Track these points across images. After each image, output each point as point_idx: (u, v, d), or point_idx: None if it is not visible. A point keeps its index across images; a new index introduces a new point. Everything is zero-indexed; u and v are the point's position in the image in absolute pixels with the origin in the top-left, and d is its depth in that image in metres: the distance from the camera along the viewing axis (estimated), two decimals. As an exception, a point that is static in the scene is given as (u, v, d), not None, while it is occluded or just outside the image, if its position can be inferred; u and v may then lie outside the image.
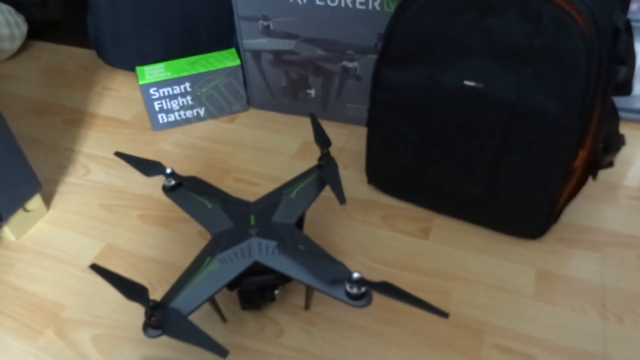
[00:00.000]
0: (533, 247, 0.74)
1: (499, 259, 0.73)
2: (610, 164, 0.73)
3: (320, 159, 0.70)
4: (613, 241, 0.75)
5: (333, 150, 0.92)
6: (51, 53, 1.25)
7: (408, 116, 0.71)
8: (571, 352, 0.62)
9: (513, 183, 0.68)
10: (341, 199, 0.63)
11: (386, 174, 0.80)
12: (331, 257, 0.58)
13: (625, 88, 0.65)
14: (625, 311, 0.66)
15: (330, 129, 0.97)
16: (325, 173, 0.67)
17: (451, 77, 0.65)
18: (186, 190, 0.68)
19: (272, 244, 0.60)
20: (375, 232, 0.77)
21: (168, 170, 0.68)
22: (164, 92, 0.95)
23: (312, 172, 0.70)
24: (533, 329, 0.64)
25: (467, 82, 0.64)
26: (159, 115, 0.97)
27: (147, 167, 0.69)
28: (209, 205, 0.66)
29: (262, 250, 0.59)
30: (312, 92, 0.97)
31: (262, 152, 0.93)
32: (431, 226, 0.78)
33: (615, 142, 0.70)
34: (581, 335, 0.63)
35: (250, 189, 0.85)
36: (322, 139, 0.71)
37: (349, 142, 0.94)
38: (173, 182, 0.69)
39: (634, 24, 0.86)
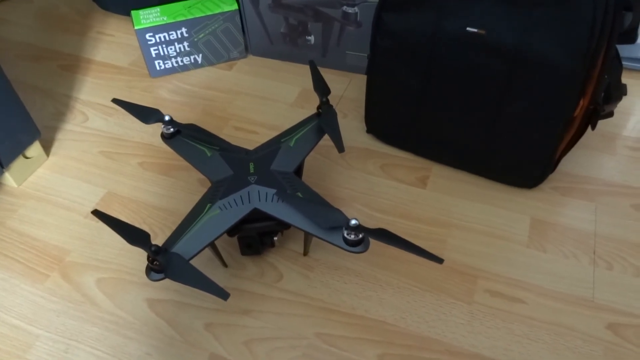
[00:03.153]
0: (529, 196, 0.75)
1: (495, 207, 0.74)
2: (611, 114, 0.72)
3: (319, 107, 0.69)
4: (608, 190, 0.76)
5: (332, 99, 0.92)
6: (43, -4, 1.21)
7: (409, 63, 0.70)
8: (560, 297, 0.64)
9: (512, 131, 0.68)
10: (340, 147, 0.63)
11: (385, 123, 0.80)
12: (329, 204, 0.59)
13: (630, 36, 0.64)
14: (615, 258, 0.67)
15: (330, 77, 0.96)
16: (324, 121, 0.67)
17: (454, 23, 0.63)
18: (185, 138, 0.68)
19: (271, 191, 0.60)
20: (373, 180, 0.78)
21: (166, 118, 0.68)
22: (160, 38, 0.93)
23: (311, 120, 0.70)
24: (525, 275, 0.66)
25: (469, 29, 0.62)
26: (156, 62, 0.96)
27: (146, 114, 0.69)
28: (208, 153, 0.66)
29: (261, 198, 0.60)
30: (312, 38, 0.95)
31: (261, 99, 0.92)
32: (429, 175, 0.78)
33: (616, 92, 0.69)
34: (571, 280, 0.65)
35: (250, 137, 0.85)
36: (322, 87, 0.70)
37: (349, 91, 0.93)
38: (172, 130, 0.69)
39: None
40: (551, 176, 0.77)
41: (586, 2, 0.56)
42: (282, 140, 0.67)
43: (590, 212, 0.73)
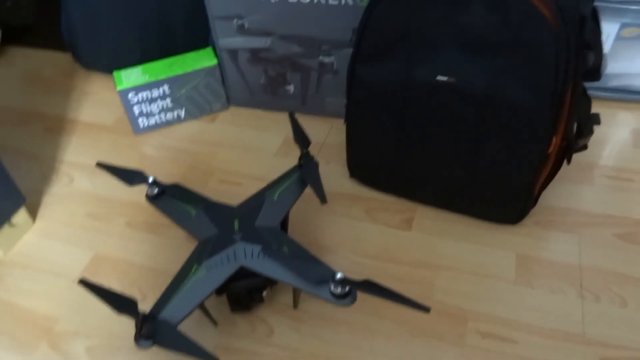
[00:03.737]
0: (513, 232, 0.76)
1: (481, 245, 0.75)
2: (584, 147, 0.74)
3: (300, 158, 0.71)
4: (589, 221, 0.77)
5: (315, 145, 0.93)
6: (26, 58, 1.23)
7: (385, 112, 0.72)
8: (551, 333, 0.64)
9: (490, 171, 0.70)
10: (322, 198, 0.64)
11: (367, 168, 0.82)
12: (315, 258, 0.60)
13: (595, 74, 0.67)
14: (602, 289, 0.68)
15: (312, 123, 0.98)
16: (305, 173, 0.69)
17: (424, 73, 0.66)
18: (170, 198, 0.69)
19: (257, 248, 0.61)
20: (359, 225, 0.79)
21: (150, 179, 0.69)
22: (143, 96, 0.95)
23: (293, 172, 0.71)
24: (514, 313, 0.66)
25: (440, 78, 0.65)
26: (140, 119, 0.97)
27: (129, 176, 0.70)
28: (193, 212, 0.67)
29: (247, 255, 0.60)
30: (291, 88, 0.97)
31: (244, 150, 0.94)
32: (414, 217, 0.79)
33: (587, 127, 0.71)
34: (560, 316, 0.66)
35: (235, 189, 0.86)
36: (302, 139, 0.72)
37: (331, 136, 0.95)
38: (156, 190, 0.69)
39: (607, 4, 0.88)
40: (533, 210, 0.78)
41: (548, 46, 0.58)
42: (265, 194, 0.68)
43: (573, 244, 0.74)
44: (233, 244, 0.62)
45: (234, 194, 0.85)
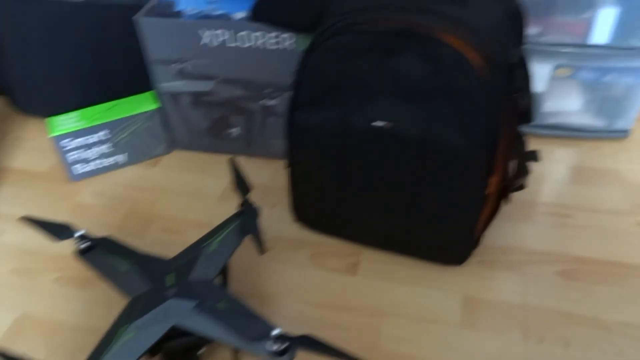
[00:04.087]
0: (457, 273, 0.76)
1: (427, 287, 0.74)
2: (521, 187, 0.76)
3: (240, 205, 0.69)
4: (532, 259, 0.78)
5: (260, 188, 0.92)
6: (-42, 103, 1.18)
7: (325, 157, 0.71)
8: (497, 379, 0.63)
9: (430, 214, 0.70)
10: (261, 249, 0.62)
11: (312, 212, 0.80)
12: (253, 313, 0.57)
13: (527, 116, 0.68)
14: (546, 329, 0.68)
15: (257, 165, 0.97)
16: (245, 222, 0.67)
17: (360, 119, 0.65)
18: (100, 252, 0.66)
19: (190, 304, 0.58)
20: (303, 272, 0.77)
21: (78, 233, 0.65)
22: (79, 142, 0.91)
23: (232, 220, 0.69)
24: (460, 358, 0.65)
25: (375, 124, 0.65)
26: (75, 166, 0.93)
27: (57, 230, 0.66)
28: (124, 267, 0.63)
29: (179, 313, 0.57)
30: (235, 130, 0.96)
31: (187, 196, 0.91)
32: (359, 261, 0.78)
33: (523, 167, 0.73)
34: (505, 359, 0.65)
35: (175, 238, 0.83)
36: (242, 186, 0.70)
37: (276, 179, 0.94)
38: (85, 245, 0.66)
39: (541, 48, 0.91)
40: (477, 250, 0.78)
41: (478, 93, 0.59)
42: (202, 245, 0.66)
43: (517, 283, 0.74)
44: (165, 301, 0.58)
45: (173, 243, 0.82)
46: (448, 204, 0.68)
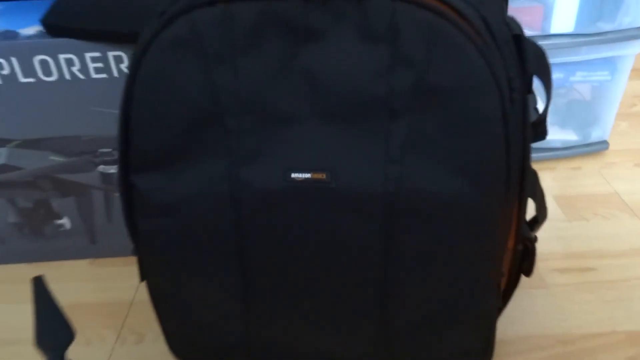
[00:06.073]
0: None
1: None
2: (535, 240, 0.48)
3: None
4: (572, 349, 0.49)
5: (119, 308, 0.55)
6: None
7: (206, 251, 0.37)
8: None
9: (422, 319, 0.38)
10: None
11: (200, 345, 0.45)
12: None
13: (541, 128, 0.41)
14: None
15: (110, 270, 0.60)
16: None
17: (264, 171, 0.33)
18: None
19: None
20: None
21: None
22: None
23: None
24: None
25: (296, 175, 0.33)
26: None
27: None
28: None
29: None
30: (66, 221, 0.59)
31: (-18, 349, 0.52)
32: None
33: (543, 209, 0.45)
34: None
35: None
36: (55, 335, 0.34)
37: (142, 290, 0.58)
38: None
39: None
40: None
41: (484, 88, 0.30)
42: None
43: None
44: None
45: None
46: (447, 295, 0.37)
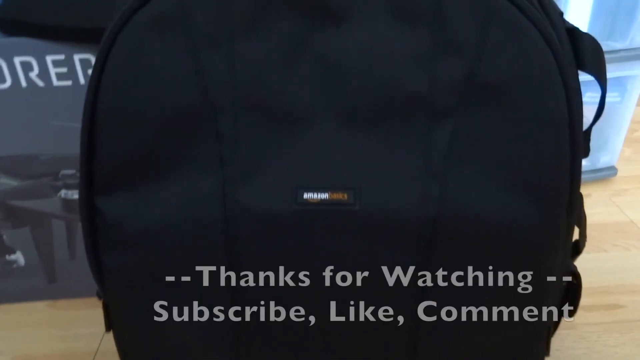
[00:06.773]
0: None
1: None
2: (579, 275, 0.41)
3: None
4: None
5: (80, 358, 0.46)
6: None
7: (190, 295, 0.29)
8: None
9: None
10: None
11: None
12: None
13: (587, 143, 0.35)
14: None
15: (71, 315, 0.52)
16: None
17: (268, 190, 0.26)
18: None
19: None
20: None
21: None
22: None
23: None
24: None
25: (309, 195, 0.26)
26: None
27: None
28: None
29: None
30: (18, 256, 0.51)
31: None
32: None
33: (584, 241, 0.38)
34: None
35: None
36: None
37: (109, 338, 0.49)
38: None
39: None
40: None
41: (553, 88, 0.24)
42: None
43: None
44: None
45: None
46: (492, 346, 0.30)
